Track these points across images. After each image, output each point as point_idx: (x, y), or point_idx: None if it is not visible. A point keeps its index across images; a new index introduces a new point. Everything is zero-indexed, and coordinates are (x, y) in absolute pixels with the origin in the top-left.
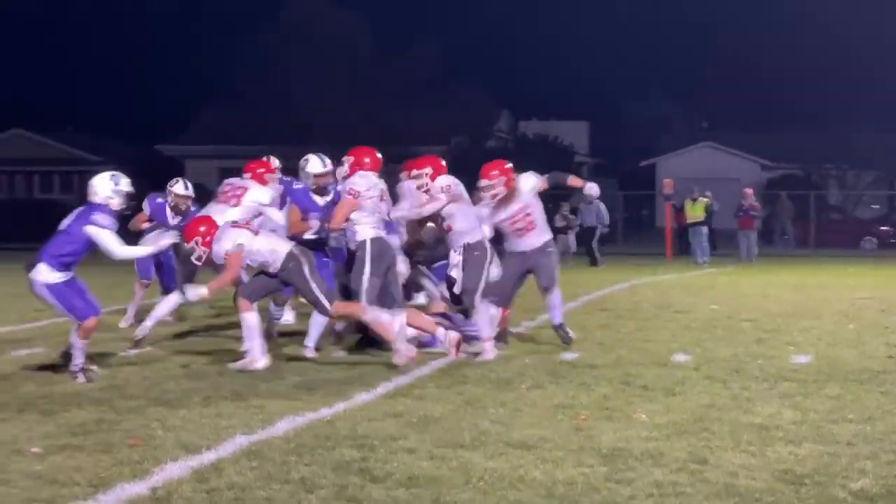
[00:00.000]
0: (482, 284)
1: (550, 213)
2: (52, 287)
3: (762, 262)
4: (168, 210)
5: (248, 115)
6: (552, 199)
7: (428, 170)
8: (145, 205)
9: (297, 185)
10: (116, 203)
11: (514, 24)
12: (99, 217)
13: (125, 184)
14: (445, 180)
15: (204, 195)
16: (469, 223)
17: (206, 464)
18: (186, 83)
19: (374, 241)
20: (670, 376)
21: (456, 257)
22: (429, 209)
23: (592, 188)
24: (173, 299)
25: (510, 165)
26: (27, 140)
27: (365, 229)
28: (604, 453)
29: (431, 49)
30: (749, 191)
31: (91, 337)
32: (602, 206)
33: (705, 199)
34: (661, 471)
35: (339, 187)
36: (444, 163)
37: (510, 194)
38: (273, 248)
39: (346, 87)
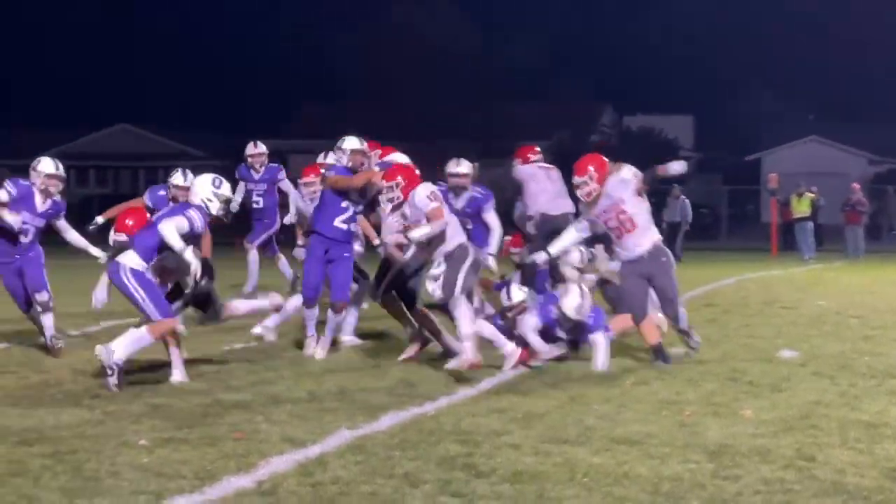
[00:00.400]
0: (459, 282)
1: None
2: (138, 273)
3: (869, 258)
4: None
5: (349, 110)
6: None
7: (399, 180)
8: (146, 197)
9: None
10: (214, 207)
11: (619, 18)
12: (186, 216)
13: (226, 188)
14: (428, 188)
15: None
16: (451, 230)
17: (310, 458)
18: (289, 77)
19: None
20: (777, 372)
21: (437, 270)
22: (437, 226)
23: (675, 166)
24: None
25: (606, 160)
26: (132, 135)
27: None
28: (710, 450)
29: (535, 43)
30: (856, 185)
31: (160, 338)
32: (687, 203)
33: (811, 194)
34: (769, 467)
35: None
36: (417, 172)
37: (602, 192)
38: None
39: (449, 82)
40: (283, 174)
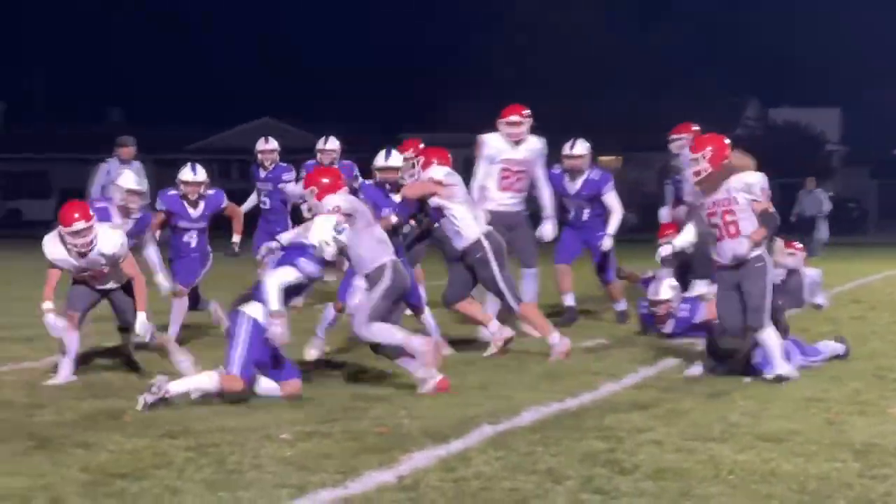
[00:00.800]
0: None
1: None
2: (258, 327)
3: None
4: (185, 203)
5: (495, 104)
6: None
7: (421, 158)
8: (158, 203)
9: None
10: (330, 252)
11: (765, 7)
12: (296, 265)
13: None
14: (442, 171)
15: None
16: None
17: (452, 453)
18: (435, 72)
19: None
20: None
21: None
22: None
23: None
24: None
25: (727, 141)
26: (276, 129)
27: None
28: (857, 448)
29: (679, 34)
30: None
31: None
32: (823, 196)
33: None
34: None
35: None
36: (450, 156)
37: (715, 176)
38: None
39: (593, 75)
40: (289, 175)
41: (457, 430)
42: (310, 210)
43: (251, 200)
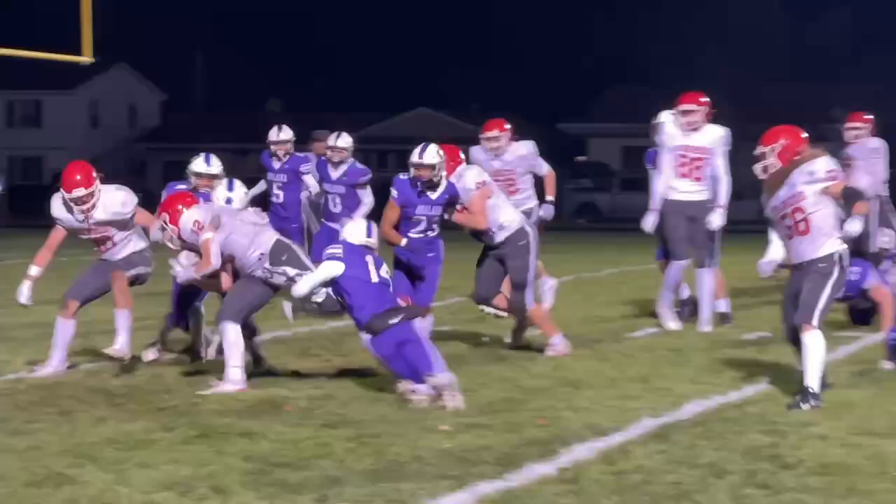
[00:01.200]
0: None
1: None
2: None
3: None
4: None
5: (652, 92)
6: None
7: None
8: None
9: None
10: None
11: None
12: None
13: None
14: (477, 174)
15: (606, 175)
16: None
17: (613, 446)
18: (590, 61)
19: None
20: None
21: None
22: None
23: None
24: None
25: (804, 135)
26: (432, 118)
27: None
28: None
29: (839, 22)
30: None
31: None
32: None
33: None
34: None
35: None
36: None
37: (780, 173)
38: None
39: (755, 64)
40: (307, 166)
41: (617, 423)
42: (172, 241)
43: (259, 187)
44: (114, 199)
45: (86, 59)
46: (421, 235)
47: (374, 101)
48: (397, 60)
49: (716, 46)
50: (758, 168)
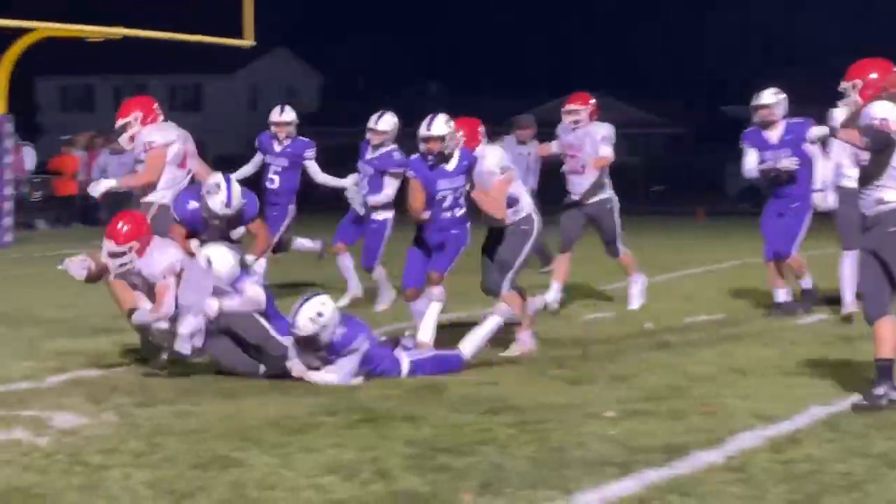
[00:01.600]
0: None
1: None
2: None
3: None
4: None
5: (812, 73)
6: None
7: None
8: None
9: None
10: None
11: None
12: None
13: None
14: (499, 155)
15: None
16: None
17: (781, 434)
18: (752, 43)
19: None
20: None
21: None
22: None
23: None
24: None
25: None
26: (608, 104)
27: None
28: None
29: None
30: None
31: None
32: None
33: None
34: None
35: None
36: (482, 129)
37: (858, 114)
38: None
39: None
40: (311, 152)
41: (785, 411)
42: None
43: (248, 168)
44: (158, 260)
45: (247, 42)
46: (448, 214)
47: (538, 84)
48: (562, 42)
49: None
50: (837, 112)
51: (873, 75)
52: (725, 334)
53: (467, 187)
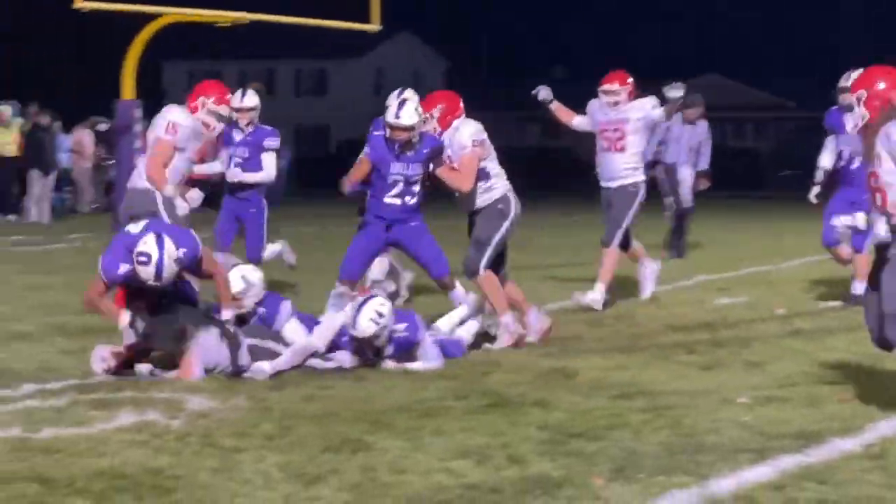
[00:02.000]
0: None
1: None
2: None
3: None
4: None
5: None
6: None
7: (439, 108)
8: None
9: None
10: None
11: None
12: None
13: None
14: (474, 128)
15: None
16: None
17: None
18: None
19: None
20: None
21: None
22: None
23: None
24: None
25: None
26: (721, 86)
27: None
28: None
29: None
30: None
31: None
32: None
33: None
34: None
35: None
36: (461, 102)
37: (871, 129)
38: None
39: None
40: (273, 141)
41: None
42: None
43: (214, 165)
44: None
45: (373, 26)
46: (397, 202)
47: (658, 67)
48: (683, 24)
49: None
50: (852, 118)
51: (881, 85)
52: (859, 321)
53: (425, 178)
